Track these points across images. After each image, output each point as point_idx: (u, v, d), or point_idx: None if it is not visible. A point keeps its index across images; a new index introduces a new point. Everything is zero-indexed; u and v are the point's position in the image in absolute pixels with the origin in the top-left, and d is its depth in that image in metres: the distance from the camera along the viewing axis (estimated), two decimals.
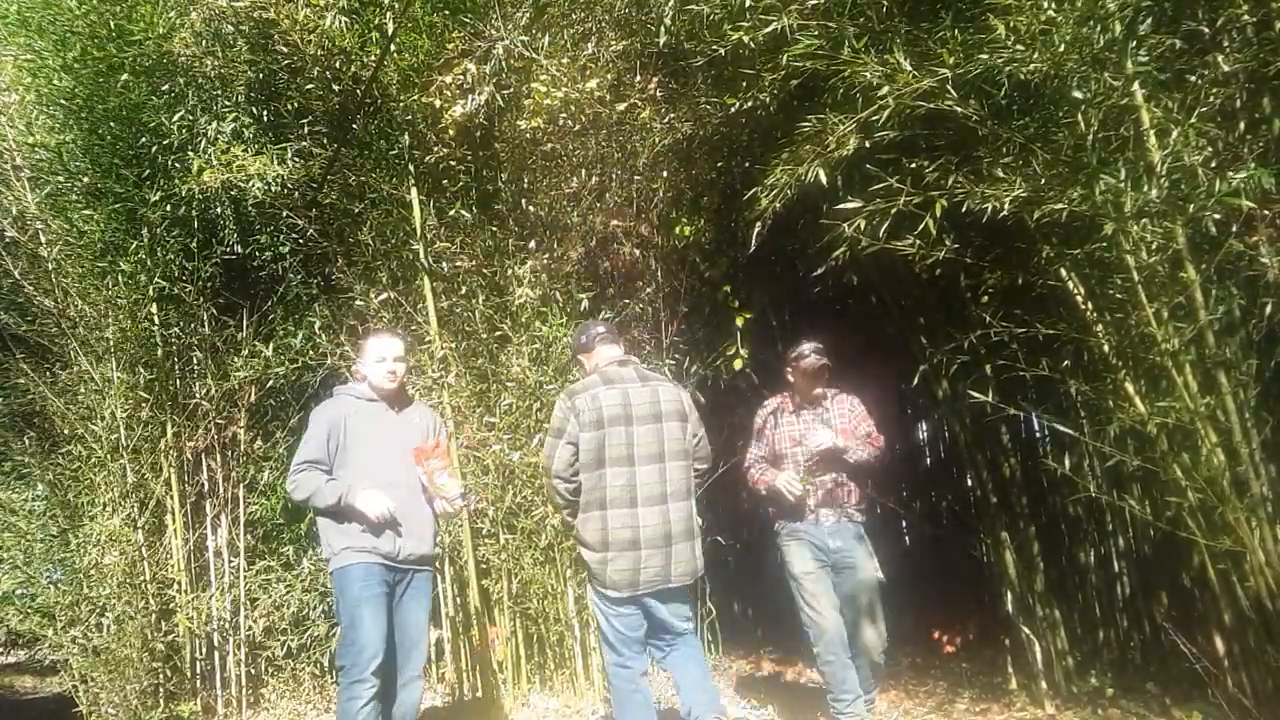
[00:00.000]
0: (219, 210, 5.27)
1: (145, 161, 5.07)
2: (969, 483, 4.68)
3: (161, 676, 4.88)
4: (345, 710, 3.02)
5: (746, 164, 4.73)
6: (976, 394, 3.68)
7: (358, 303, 4.89)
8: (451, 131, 4.58)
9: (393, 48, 4.55)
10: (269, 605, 5.13)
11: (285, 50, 4.60)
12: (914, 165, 3.25)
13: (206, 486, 5.30)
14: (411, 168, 4.80)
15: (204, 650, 5.13)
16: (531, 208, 4.84)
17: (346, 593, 3.08)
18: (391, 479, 3.17)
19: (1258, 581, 3.05)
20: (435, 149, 4.67)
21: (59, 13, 4.83)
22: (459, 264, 4.81)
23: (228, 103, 5.09)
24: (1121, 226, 3.01)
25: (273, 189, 4.78)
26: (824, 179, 3.35)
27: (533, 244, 4.82)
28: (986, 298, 4.11)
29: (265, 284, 5.45)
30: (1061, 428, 3.72)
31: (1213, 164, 2.97)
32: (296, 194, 4.98)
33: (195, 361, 5.27)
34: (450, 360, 4.72)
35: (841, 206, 3.26)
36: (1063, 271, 3.38)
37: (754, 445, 3.81)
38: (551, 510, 4.44)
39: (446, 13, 4.64)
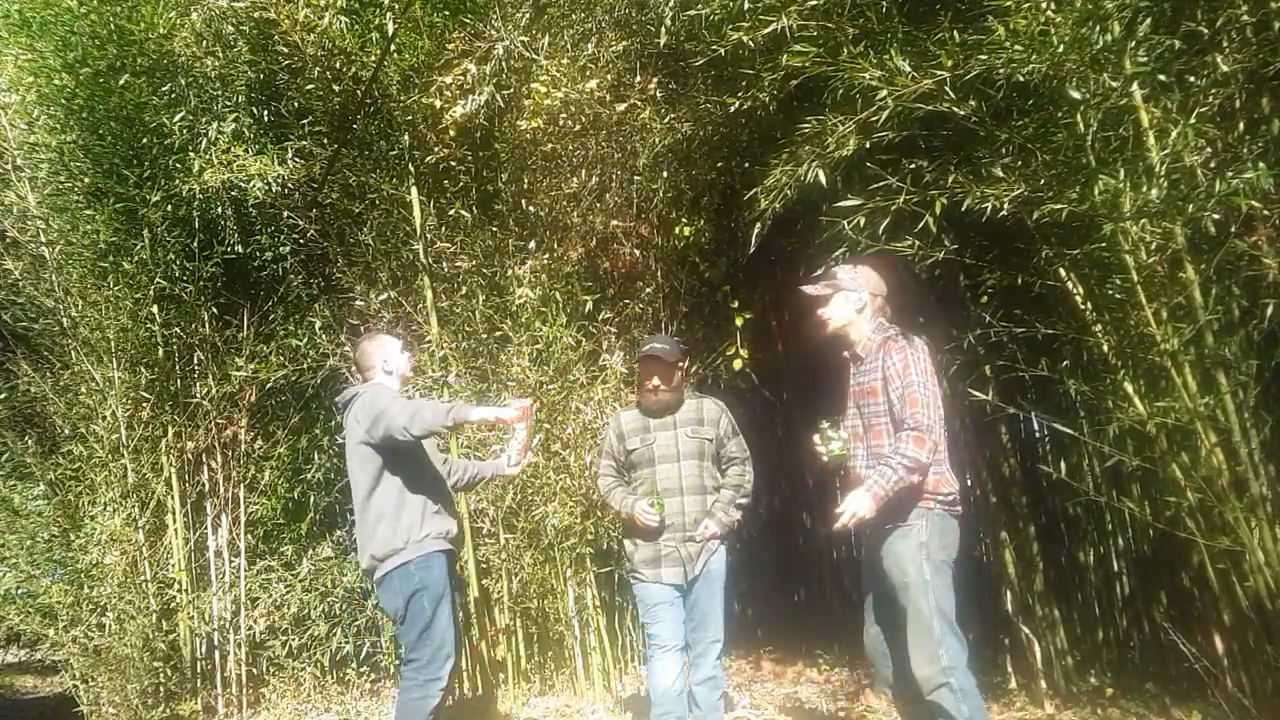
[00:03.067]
0: (220, 210, 5.28)
1: (146, 161, 5.08)
2: (968, 482, 4.68)
3: (162, 676, 4.89)
4: (416, 709, 2.93)
5: (746, 164, 4.74)
6: (976, 392, 3.68)
7: (358, 303, 4.90)
8: (452, 132, 4.58)
9: (393, 48, 4.56)
10: (269, 605, 5.14)
11: (285, 51, 4.61)
12: (913, 165, 3.26)
13: (207, 486, 5.31)
14: (412, 168, 4.81)
15: (204, 650, 5.14)
16: (531, 208, 4.85)
17: (432, 587, 3.01)
18: (439, 460, 3.31)
19: (1257, 581, 3.06)
20: (435, 149, 4.68)
21: (60, 13, 4.84)
22: (459, 264, 4.82)
23: (228, 103, 5.10)
24: (1121, 226, 3.02)
25: (273, 189, 4.79)
26: (823, 179, 3.36)
27: (533, 244, 4.83)
28: (986, 298, 4.12)
29: (266, 284, 5.46)
30: (1061, 427, 3.72)
31: (1212, 164, 2.98)
32: (297, 194, 4.99)
33: (196, 361, 5.28)
34: (450, 360, 4.72)
35: (841, 204, 3.27)
36: (1062, 271, 3.38)
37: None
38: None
39: (447, 13, 4.64)
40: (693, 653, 3.33)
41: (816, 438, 2.89)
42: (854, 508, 2.58)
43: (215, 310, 5.32)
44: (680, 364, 3.44)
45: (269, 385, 5.24)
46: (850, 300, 2.84)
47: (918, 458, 2.58)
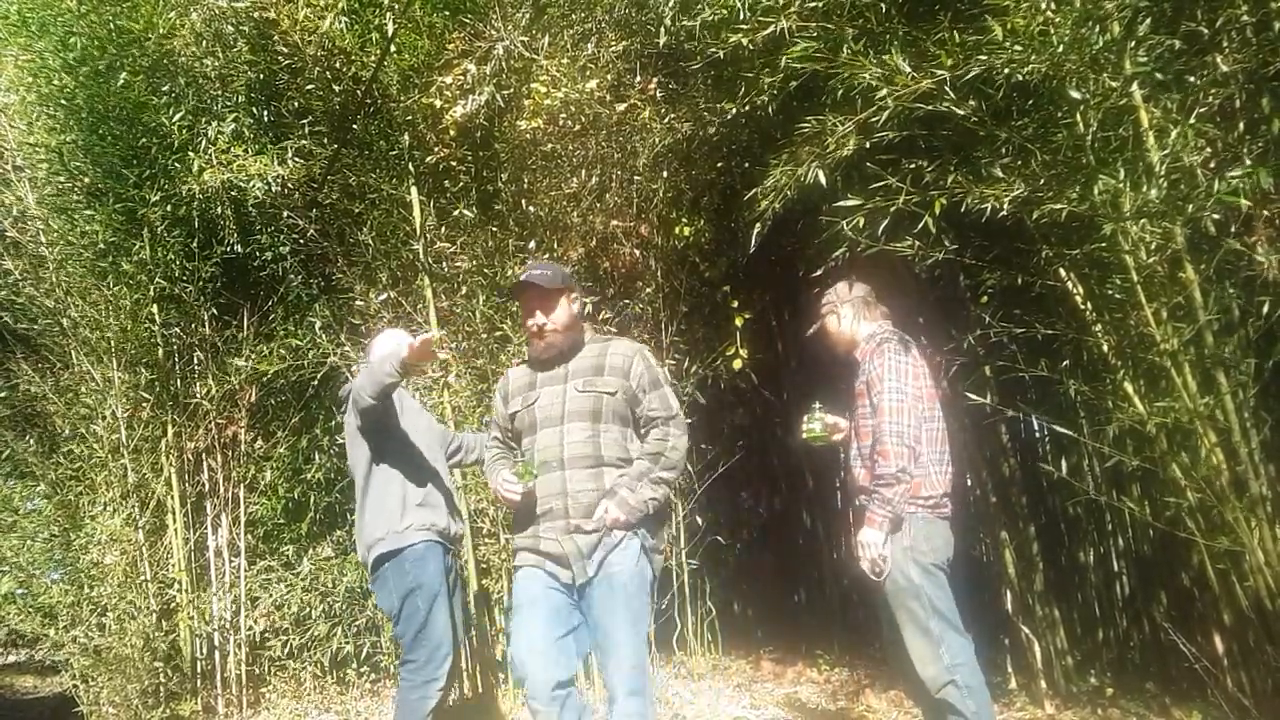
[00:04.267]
0: (219, 210, 5.28)
1: (146, 161, 5.08)
2: (968, 482, 4.68)
3: (162, 676, 4.89)
4: (415, 710, 2.89)
5: (746, 164, 4.74)
6: (974, 396, 3.68)
7: (358, 303, 4.90)
8: (452, 132, 4.59)
9: (393, 48, 4.56)
10: (270, 605, 5.14)
11: (285, 50, 4.61)
12: (913, 165, 3.25)
13: (207, 486, 5.31)
14: (412, 168, 4.81)
15: (205, 650, 5.15)
16: (532, 208, 4.85)
17: (427, 585, 2.96)
18: (435, 453, 3.28)
19: (1257, 581, 3.06)
20: (435, 149, 4.68)
21: (59, 13, 4.84)
22: (459, 264, 4.82)
23: (228, 103, 5.10)
24: (1120, 227, 3.02)
25: (273, 189, 4.80)
26: (823, 180, 3.35)
27: (533, 244, 4.83)
28: (986, 298, 4.11)
29: (266, 284, 5.47)
30: (1061, 428, 3.72)
31: (1211, 164, 2.98)
32: (297, 194, 4.99)
33: (196, 361, 5.28)
34: (450, 360, 4.72)
35: (840, 204, 3.26)
36: (1062, 271, 3.38)
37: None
38: None
39: (446, 13, 4.65)
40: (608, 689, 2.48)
41: (806, 417, 3.00)
42: (866, 544, 2.68)
43: (215, 310, 5.33)
44: (570, 294, 2.66)
45: (269, 384, 5.24)
46: (842, 316, 3.02)
47: (888, 470, 2.64)
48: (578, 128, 4.56)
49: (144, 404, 5.09)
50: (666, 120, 4.54)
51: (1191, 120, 2.86)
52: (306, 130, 4.84)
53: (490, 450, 2.77)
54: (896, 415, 2.68)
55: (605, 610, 2.43)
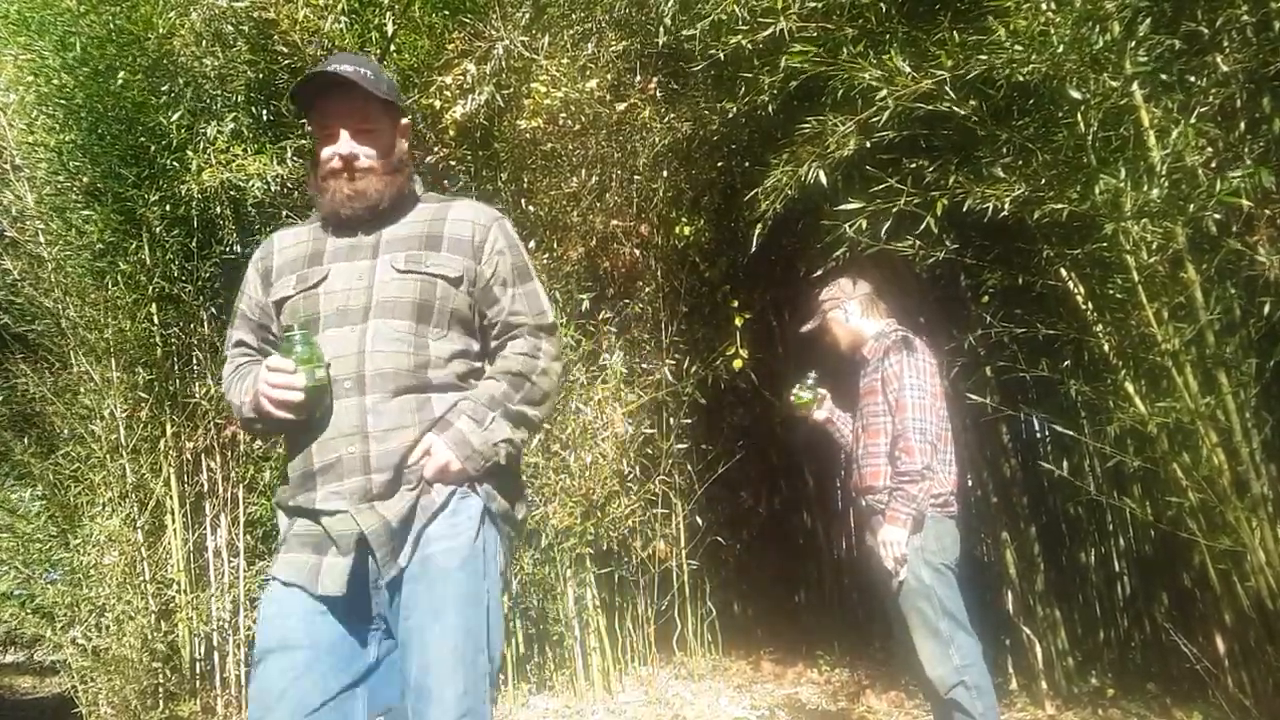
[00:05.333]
0: (219, 210, 5.27)
1: (145, 161, 5.07)
2: (969, 483, 4.68)
3: (161, 677, 4.88)
4: None
5: (746, 164, 4.73)
6: (975, 396, 3.68)
7: None
8: (451, 132, 4.58)
9: (392, 48, 4.55)
10: None
11: (285, 50, 4.60)
12: (914, 165, 3.25)
13: (206, 487, 5.30)
14: (411, 168, 4.80)
15: (204, 650, 5.13)
16: (531, 208, 4.85)
17: None
18: None
19: (1258, 581, 3.05)
20: (435, 149, 4.67)
21: (59, 13, 4.83)
22: None
23: (227, 102, 5.09)
24: (1121, 226, 3.01)
25: (272, 188, 4.79)
26: (824, 180, 3.35)
27: (532, 244, 4.82)
28: (987, 298, 4.11)
29: None
30: (1062, 429, 3.72)
31: (1213, 164, 2.97)
32: (296, 193, 4.98)
33: (195, 361, 5.27)
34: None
35: (841, 207, 3.26)
36: (1063, 271, 3.38)
37: None
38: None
39: (446, 13, 4.64)
40: None
41: (798, 385, 3.03)
42: (889, 542, 2.63)
43: (214, 310, 5.31)
44: (402, 123, 1.79)
45: None
46: (840, 316, 2.99)
47: (913, 467, 2.63)
48: (578, 127, 4.56)
49: (143, 404, 5.07)
50: (666, 120, 4.54)
51: (1192, 120, 2.85)
52: (306, 129, 4.83)
53: (232, 363, 1.80)
54: (919, 412, 2.67)
55: (421, 614, 1.47)
